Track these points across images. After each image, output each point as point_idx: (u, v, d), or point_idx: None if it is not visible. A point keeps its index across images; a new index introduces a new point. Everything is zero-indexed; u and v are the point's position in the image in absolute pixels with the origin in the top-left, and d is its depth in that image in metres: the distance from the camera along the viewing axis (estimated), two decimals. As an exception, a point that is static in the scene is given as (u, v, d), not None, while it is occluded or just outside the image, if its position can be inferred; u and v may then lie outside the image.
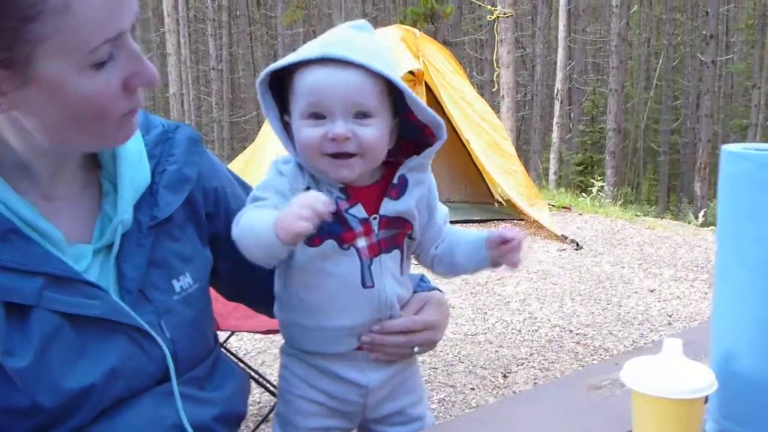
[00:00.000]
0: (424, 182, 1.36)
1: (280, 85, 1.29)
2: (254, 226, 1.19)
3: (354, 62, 1.21)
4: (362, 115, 1.24)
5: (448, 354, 4.79)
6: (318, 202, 1.12)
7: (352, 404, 1.37)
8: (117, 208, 1.21)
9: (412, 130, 1.34)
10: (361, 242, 1.29)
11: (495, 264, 1.36)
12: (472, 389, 4.28)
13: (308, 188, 1.28)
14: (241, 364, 3.48)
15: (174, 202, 1.28)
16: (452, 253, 1.41)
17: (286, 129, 1.32)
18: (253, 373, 3.66)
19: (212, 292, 1.43)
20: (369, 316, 1.33)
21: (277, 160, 1.32)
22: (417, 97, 1.27)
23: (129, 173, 1.24)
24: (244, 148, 10.83)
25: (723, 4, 28.79)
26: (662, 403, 1.01)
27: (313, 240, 1.26)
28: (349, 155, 1.24)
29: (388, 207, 1.31)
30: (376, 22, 27.20)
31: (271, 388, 3.66)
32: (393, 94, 1.28)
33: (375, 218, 1.30)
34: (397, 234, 1.34)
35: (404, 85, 1.25)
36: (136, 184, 1.24)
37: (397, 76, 1.24)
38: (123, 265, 1.20)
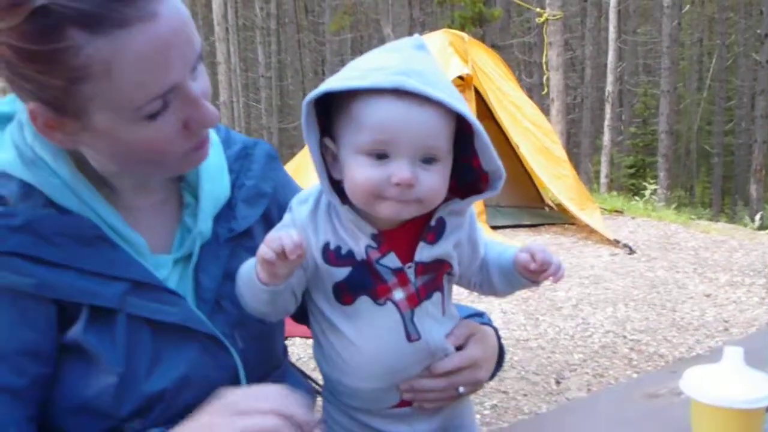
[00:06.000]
0: (463, 226, 1.22)
1: (323, 104, 1.14)
2: (243, 270, 1.14)
3: (432, 98, 1.04)
4: (429, 159, 1.09)
5: (499, 360, 4.75)
6: (285, 237, 1.01)
7: None
8: (197, 219, 1.25)
9: (464, 172, 1.18)
10: (398, 294, 1.16)
11: (535, 282, 1.22)
12: (525, 395, 4.26)
13: (327, 243, 1.15)
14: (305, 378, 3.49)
15: (251, 216, 1.31)
16: (489, 281, 1.29)
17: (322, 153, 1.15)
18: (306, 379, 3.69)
19: None
20: (422, 367, 1.21)
21: (293, 201, 1.20)
22: (488, 140, 1.12)
23: (209, 186, 1.27)
24: (293, 154, 10.91)
25: (778, 2, 28.12)
26: (723, 413, 1.00)
27: (344, 297, 1.16)
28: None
29: (424, 253, 1.17)
30: (424, 27, 27.24)
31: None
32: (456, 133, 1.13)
33: (410, 266, 1.16)
34: (436, 276, 1.21)
35: (479, 126, 1.10)
36: (216, 196, 1.28)
37: (470, 112, 1.09)
38: (200, 275, 1.24)
